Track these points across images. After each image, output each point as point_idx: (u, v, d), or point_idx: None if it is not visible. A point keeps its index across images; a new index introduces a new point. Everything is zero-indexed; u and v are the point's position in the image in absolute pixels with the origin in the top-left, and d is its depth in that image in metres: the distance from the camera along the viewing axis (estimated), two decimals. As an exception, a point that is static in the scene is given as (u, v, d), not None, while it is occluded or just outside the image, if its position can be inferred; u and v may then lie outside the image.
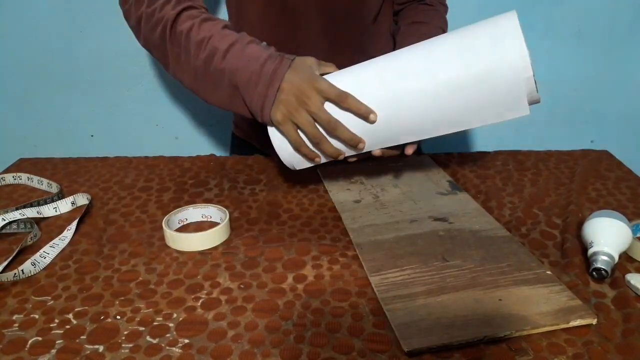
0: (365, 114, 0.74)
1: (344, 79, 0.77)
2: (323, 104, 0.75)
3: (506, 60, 0.68)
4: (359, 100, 0.74)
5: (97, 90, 1.39)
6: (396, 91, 0.73)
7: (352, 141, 0.76)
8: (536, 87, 0.69)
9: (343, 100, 0.74)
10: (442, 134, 0.76)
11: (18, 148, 1.43)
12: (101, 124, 1.44)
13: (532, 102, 0.71)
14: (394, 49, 1.02)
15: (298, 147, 0.79)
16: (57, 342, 0.59)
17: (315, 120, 0.76)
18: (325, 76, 0.78)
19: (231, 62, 0.78)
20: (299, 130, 0.78)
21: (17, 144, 1.45)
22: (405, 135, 0.77)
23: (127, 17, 0.89)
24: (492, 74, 0.69)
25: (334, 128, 0.75)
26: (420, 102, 0.72)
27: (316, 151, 0.80)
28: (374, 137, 0.77)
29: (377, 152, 0.80)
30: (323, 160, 0.81)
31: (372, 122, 0.75)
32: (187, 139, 1.46)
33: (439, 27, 1.00)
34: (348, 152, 0.80)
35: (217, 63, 0.79)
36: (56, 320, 0.62)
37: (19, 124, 1.43)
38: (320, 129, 0.77)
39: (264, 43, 0.81)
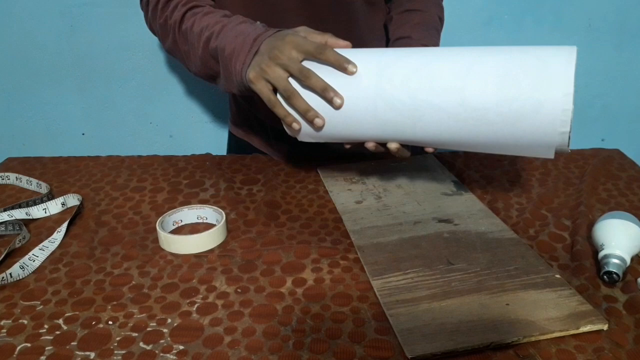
0: (343, 65, 0.74)
1: (364, 68, 0.76)
2: (299, 58, 0.75)
3: (545, 111, 0.67)
4: (337, 53, 0.74)
5: (89, 87, 1.39)
6: (419, 102, 0.72)
7: (326, 91, 0.75)
8: (569, 142, 0.68)
9: (321, 53, 0.74)
10: (457, 150, 0.76)
11: (6, 147, 1.43)
12: (93, 121, 1.44)
13: (560, 152, 0.70)
14: (387, 39, 1.02)
15: (272, 106, 0.78)
16: (46, 348, 0.59)
17: (288, 72, 0.76)
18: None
19: (222, 39, 0.81)
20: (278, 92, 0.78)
21: (5, 143, 1.45)
22: (418, 141, 0.77)
23: (151, 31, 0.97)
24: (527, 119, 0.68)
25: (306, 76, 0.75)
26: (441, 120, 0.72)
27: (292, 113, 0.78)
28: (385, 134, 0.77)
29: (393, 145, 0.79)
30: (304, 127, 0.79)
31: (351, 73, 0.74)
32: (182, 138, 1.47)
33: (435, 15, 0.99)
34: (331, 118, 0.77)
35: (212, 44, 0.82)
36: (46, 326, 0.62)
37: (6, 122, 1.43)
38: (294, 84, 0.77)
39: (258, 23, 0.83)
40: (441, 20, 1.00)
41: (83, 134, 1.46)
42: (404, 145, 0.80)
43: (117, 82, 1.38)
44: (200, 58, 0.86)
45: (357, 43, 0.83)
